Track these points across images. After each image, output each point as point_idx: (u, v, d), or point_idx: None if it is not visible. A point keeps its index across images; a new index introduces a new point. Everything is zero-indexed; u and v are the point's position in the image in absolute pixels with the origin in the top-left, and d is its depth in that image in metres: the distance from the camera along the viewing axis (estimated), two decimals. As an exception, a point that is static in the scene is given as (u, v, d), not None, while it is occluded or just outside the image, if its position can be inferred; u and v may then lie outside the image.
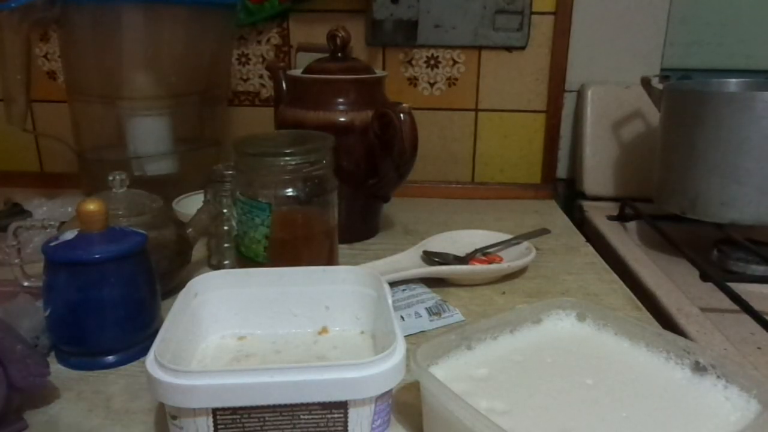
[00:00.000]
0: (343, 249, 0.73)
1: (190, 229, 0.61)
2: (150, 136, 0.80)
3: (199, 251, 0.67)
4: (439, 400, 0.35)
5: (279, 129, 0.74)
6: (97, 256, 0.46)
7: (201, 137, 0.88)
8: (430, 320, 0.56)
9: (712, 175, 0.71)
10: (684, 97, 0.74)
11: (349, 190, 0.74)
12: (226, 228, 0.65)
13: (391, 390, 0.37)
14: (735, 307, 0.57)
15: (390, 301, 0.44)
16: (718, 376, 0.39)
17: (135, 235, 0.49)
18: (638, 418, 0.36)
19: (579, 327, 0.46)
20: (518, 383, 0.39)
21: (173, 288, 0.61)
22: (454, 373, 0.40)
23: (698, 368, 0.40)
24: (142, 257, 0.49)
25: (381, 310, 0.46)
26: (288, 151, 0.57)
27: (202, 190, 0.75)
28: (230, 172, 0.63)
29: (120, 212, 0.56)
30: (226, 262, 0.65)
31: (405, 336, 0.53)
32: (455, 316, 0.57)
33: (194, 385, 0.34)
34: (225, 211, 0.64)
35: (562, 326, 0.46)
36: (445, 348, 0.41)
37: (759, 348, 0.56)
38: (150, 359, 0.35)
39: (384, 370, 0.35)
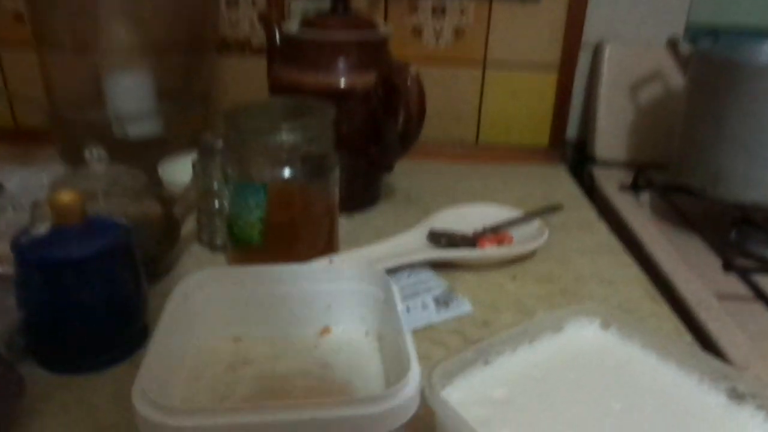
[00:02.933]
0: (342, 221, 0.69)
1: (176, 208, 0.56)
2: (131, 93, 0.73)
3: (187, 226, 0.63)
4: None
5: (272, 90, 0.68)
6: (74, 256, 0.41)
7: (188, 93, 0.81)
8: (438, 311, 0.52)
9: (738, 152, 0.66)
10: (714, 66, 0.68)
11: (349, 158, 0.68)
12: (217, 205, 0.60)
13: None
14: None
15: (400, 309, 0.40)
16: (758, 407, 0.35)
17: (116, 227, 0.45)
18: (672, 457, 0.33)
19: (602, 336, 0.42)
20: (540, 408, 0.36)
21: (163, 271, 0.57)
22: (471, 395, 0.37)
23: (735, 395, 0.37)
24: (124, 251, 0.45)
25: (389, 313, 0.42)
26: (284, 127, 0.51)
27: (189, 153, 0.70)
28: (220, 143, 0.57)
29: (99, 193, 0.51)
30: (218, 242, 0.61)
31: (413, 329, 0.50)
32: (464, 306, 0.53)
33: (183, 427, 0.30)
34: (216, 184, 0.59)
35: (584, 335, 0.43)
36: (461, 365, 0.38)
37: (781, 342, 0.54)
38: (137, 389, 0.31)
39: (396, 406, 0.32)
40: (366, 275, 0.45)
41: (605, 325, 0.43)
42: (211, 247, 0.62)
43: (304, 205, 0.54)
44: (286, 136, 0.51)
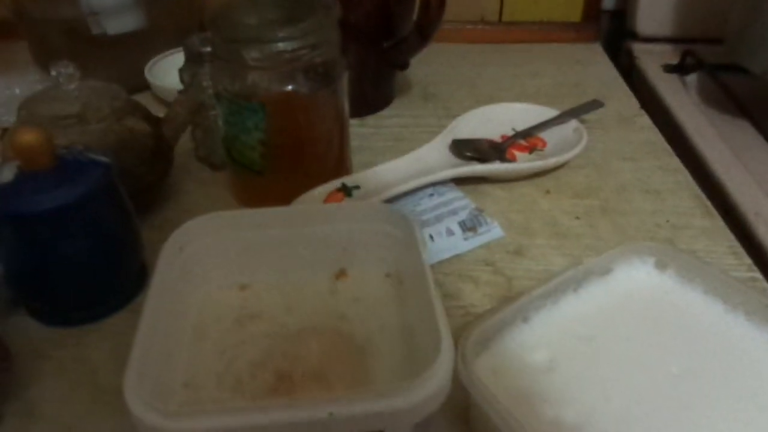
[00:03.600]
0: (353, 128, 0.61)
1: (165, 128, 0.49)
2: (104, -18, 0.63)
3: (183, 142, 0.56)
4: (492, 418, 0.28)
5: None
6: (46, 206, 0.35)
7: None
8: (465, 238, 0.47)
9: (815, 30, 0.56)
10: None
11: (358, 53, 0.60)
12: (212, 117, 0.53)
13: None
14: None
15: (425, 257, 0.35)
16: (842, 370, 0.31)
17: (95, 165, 0.38)
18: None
19: (658, 279, 0.37)
20: (587, 375, 0.32)
21: (159, 198, 0.52)
22: (508, 361, 0.33)
23: (815, 355, 0.32)
24: (107, 192, 0.39)
25: (411, 256, 0.36)
26: (281, 34, 0.43)
27: (178, 49, 0.61)
28: (209, 49, 0.49)
29: (73, 119, 0.44)
30: (216, 161, 0.55)
31: (438, 262, 0.46)
32: (494, 230, 0.48)
33: (188, 428, 0.26)
34: (209, 94, 0.52)
35: (636, 277, 0.37)
36: (497, 327, 0.33)
37: None
38: (128, 390, 0.27)
39: (427, 396, 0.28)
40: (384, 214, 0.39)
41: (661, 265, 0.37)
42: (210, 165, 0.56)
43: (310, 122, 0.47)
44: (285, 45, 0.43)
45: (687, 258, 0.37)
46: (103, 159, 0.39)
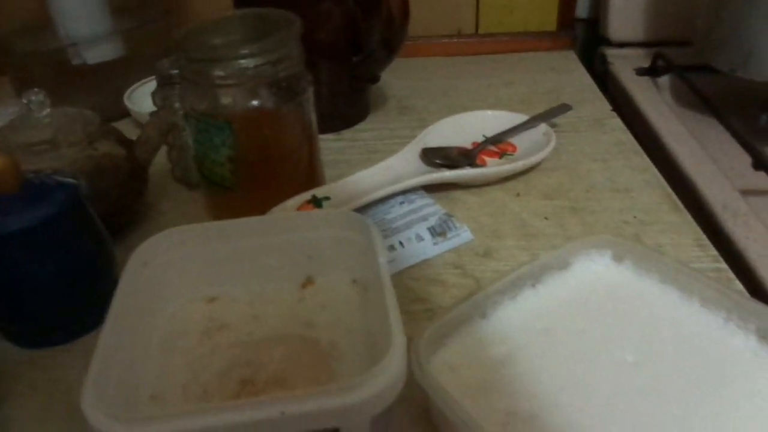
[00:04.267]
0: (329, 142, 0.63)
1: (138, 150, 0.51)
2: (81, 14, 0.65)
3: (159, 160, 0.57)
4: (447, 415, 0.28)
5: (237, 2, 0.60)
6: (12, 228, 0.36)
7: (146, 5, 0.73)
8: (434, 243, 0.48)
9: (775, 25, 0.57)
10: None
11: (330, 69, 0.62)
12: (186, 138, 0.54)
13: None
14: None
15: (383, 260, 0.36)
16: (793, 350, 0.31)
17: (62, 187, 0.39)
18: (693, 417, 0.29)
19: (616, 271, 0.38)
20: (545, 368, 0.32)
21: (135, 219, 0.53)
22: (465, 357, 0.33)
23: (766, 336, 0.32)
24: (75, 212, 0.40)
25: (373, 263, 0.37)
26: (243, 51, 0.44)
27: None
28: (177, 71, 0.51)
29: (45, 145, 0.45)
30: (193, 179, 0.56)
31: (406, 267, 0.46)
32: (463, 234, 0.49)
33: (142, 433, 0.27)
34: (181, 115, 0.53)
35: (595, 270, 0.38)
36: (453, 324, 0.34)
37: (815, 244, 0.48)
38: (86, 399, 0.28)
39: (379, 391, 0.28)
40: (345, 220, 0.40)
41: (618, 258, 0.38)
42: (187, 184, 0.57)
43: (278, 136, 0.48)
44: (247, 61, 0.44)
45: (643, 250, 0.37)
46: (71, 181, 0.40)
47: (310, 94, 0.49)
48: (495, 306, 0.35)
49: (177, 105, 0.52)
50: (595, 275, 0.37)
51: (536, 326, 0.35)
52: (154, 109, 0.55)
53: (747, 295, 0.38)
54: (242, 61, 0.44)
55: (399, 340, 0.30)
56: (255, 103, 0.46)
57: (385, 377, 0.28)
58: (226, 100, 0.46)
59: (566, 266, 0.38)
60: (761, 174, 0.54)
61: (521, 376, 0.32)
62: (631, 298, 0.36)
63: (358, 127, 0.66)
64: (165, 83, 0.53)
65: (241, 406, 0.27)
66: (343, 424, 0.29)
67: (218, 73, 0.44)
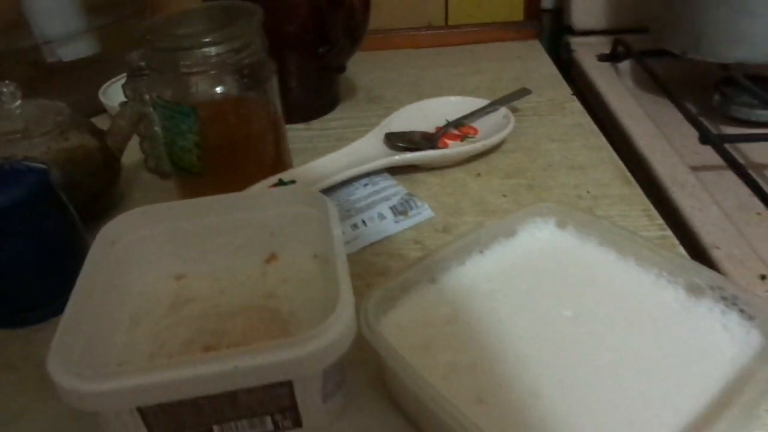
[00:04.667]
0: (299, 131, 0.65)
1: (109, 139, 0.52)
2: (55, 12, 0.67)
3: (134, 153, 0.59)
4: (393, 367, 0.30)
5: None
6: (-17, 212, 0.38)
7: (119, 3, 0.74)
8: (396, 221, 0.50)
9: (721, 8, 0.60)
10: None
11: (298, 60, 0.64)
12: (157, 129, 0.56)
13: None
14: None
15: (337, 231, 0.38)
16: (716, 300, 0.33)
17: (31, 173, 0.41)
18: (622, 362, 0.32)
19: (559, 236, 0.40)
20: (487, 324, 0.34)
21: (109, 206, 0.54)
22: (413, 318, 0.35)
23: (693, 289, 0.34)
24: (44, 197, 0.42)
25: (329, 235, 0.39)
26: (206, 40, 0.46)
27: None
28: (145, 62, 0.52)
29: (17, 135, 0.47)
30: (165, 168, 0.58)
31: (369, 244, 0.48)
32: (424, 212, 0.51)
33: (105, 390, 0.29)
34: (152, 110, 0.55)
35: (539, 237, 0.40)
36: (402, 287, 0.36)
37: (758, 213, 0.51)
38: (51, 359, 0.30)
39: (328, 344, 0.30)
40: (303, 197, 0.42)
41: (561, 224, 0.40)
42: (161, 174, 0.59)
43: (242, 122, 0.50)
44: (209, 49, 0.46)
45: (584, 216, 0.40)
46: (41, 166, 0.42)
47: (274, 81, 0.51)
48: (444, 271, 0.37)
49: (147, 96, 0.54)
50: (539, 241, 0.40)
51: (482, 288, 0.37)
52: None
53: (677, 253, 0.40)
54: (205, 50, 0.46)
55: (347, 298, 0.32)
56: (219, 89, 0.48)
57: (334, 331, 0.30)
58: (191, 87, 0.48)
59: (513, 234, 0.40)
60: (711, 151, 0.56)
61: (464, 333, 0.34)
62: (572, 261, 0.38)
63: (327, 116, 0.68)
64: (135, 75, 0.55)
65: (196, 361, 0.29)
66: (295, 376, 0.31)
67: (183, 61, 0.46)
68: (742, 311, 0.32)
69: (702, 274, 0.34)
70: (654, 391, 0.30)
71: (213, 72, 0.47)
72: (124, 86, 0.55)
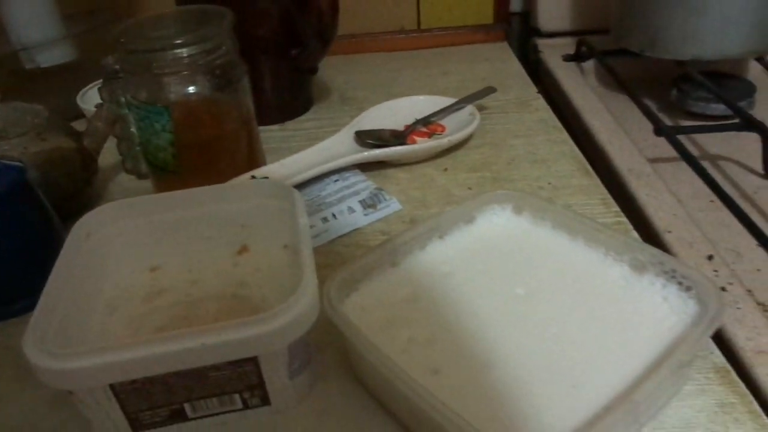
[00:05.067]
0: (272, 132, 0.67)
1: (86, 140, 0.54)
2: (33, 20, 0.69)
3: (111, 155, 0.61)
4: (354, 343, 0.32)
5: (178, 2, 0.64)
6: (-38, 206, 0.40)
7: (97, 11, 0.76)
8: (365, 214, 0.52)
9: (675, 7, 0.63)
10: None
11: (271, 63, 0.66)
12: (132, 130, 0.57)
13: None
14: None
15: (303, 220, 0.39)
16: (657, 274, 0.36)
17: (8, 170, 0.43)
18: (568, 334, 0.34)
19: (515, 221, 0.42)
20: (444, 303, 0.36)
21: (85, 206, 0.56)
22: (375, 299, 0.37)
23: (637, 266, 0.37)
24: (20, 194, 0.43)
25: (296, 225, 0.41)
26: (178, 41, 0.48)
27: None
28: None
29: (-5, 136, 0.48)
30: (143, 169, 0.59)
31: (338, 236, 0.50)
32: (392, 205, 0.53)
33: (77, 368, 0.30)
34: (127, 111, 0.56)
35: (496, 222, 0.42)
36: (365, 271, 0.38)
37: (711, 201, 0.54)
38: (26, 339, 0.31)
39: (291, 320, 0.32)
40: (272, 189, 0.44)
41: (517, 210, 0.42)
42: (138, 175, 0.61)
43: (215, 121, 0.52)
44: (181, 51, 0.48)
45: (538, 201, 0.42)
46: (17, 164, 0.44)
47: (245, 82, 0.53)
48: (405, 255, 0.39)
49: (123, 99, 0.56)
50: (497, 226, 0.42)
51: (441, 270, 0.39)
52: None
53: (623, 233, 0.42)
54: (177, 51, 0.48)
55: (309, 278, 0.33)
56: (192, 89, 0.50)
57: (296, 308, 0.32)
58: (164, 87, 0.49)
59: (472, 220, 0.42)
60: (669, 145, 0.58)
61: (423, 311, 0.36)
62: (526, 244, 0.40)
63: (301, 118, 0.70)
64: (110, 78, 0.56)
65: (165, 338, 0.31)
66: (261, 353, 0.32)
67: (155, 62, 0.48)
68: (680, 284, 0.35)
69: (645, 251, 0.36)
70: (597, 359, 0.32)
71: (185, 72, 0.49)
72: (100, 89, 0.57)
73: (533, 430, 0.29)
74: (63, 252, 0.38)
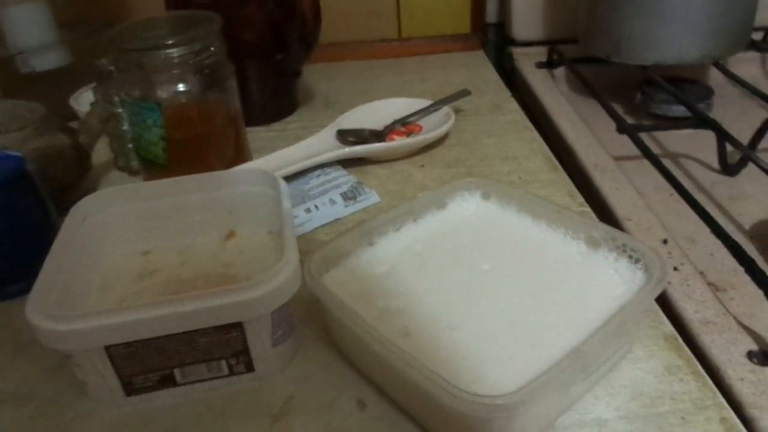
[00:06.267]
0: (259, 132, 0.70)
1: (81, 137, 0.57)
2: (29, 26, 0.72)
3: (104, 153, 0.64)
4: (332, 310, 0.35)
5: (168, 7, 0.67)
6: (-34, 191, 0.42)
7: (91, 19, 0.79)
8: (345, 206, 0.55)
9: (637, 16, 0.67)
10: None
11: (258, 67, 0.69)
12: (124, 128, 0.60)
13: (286, 302, 0.37)
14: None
15: (287, 204, 0.43)
16: (610, 249, 0.39)
17: (8, 159, 0.46)
18: (528, 302, 0.37)
19: (484, 207, 0.45)
20: (416, 277, 0.39)
21: (78, 198, 0.58)
22: (353, 274, 0.40)
23: (592, 242, 0.40)
24: (21, 181, 0.46)
25: (281, 210, 0.44)
26: (169, 42, 0.51)
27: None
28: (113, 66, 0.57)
29: (-5, 130, 0.51)
30: (134, 165, 0.62)
31: (320, 225, 0.53)
32: (371, 198, 0.56)
33: (76, 329, 0.33)
34: (120, 110, 0.59)
35: (467, 208, 0.45)
36: (344, 248, 0.41)
37: (671, 194, 0.57)
38: (29, 306, 0.34)
39: (274, 288, 0.35)
40: (260, 178, 0.47)
41: (486, 196, 0.46)
42: (129, 171, 0.63)
43: (204, 118, 0.55)
44: (172, 51, 0.51)
45: (505, 187, 0.45)
46: (17, 154, 0.46)
47: (232, 81, 0.56)
48: (381, 236, 0.42)
49: (116, 98, 0.59)
50: (467, 211, 0.45)
51: (414, 250, 0.42)
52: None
53: (580, 213, 0.45)
54: (168, 51, 0.51)
55: (291, 252, 0.37)
56: (181, 87, 0.53)
57: (279, 278, 0.35)
58: (155, 85, 0.52)
59: (443, 206, 0.45)
60: (632, 145, 0.62)
61: (396, 284, 0.39)
62: (493, 226, 0.44)
63: (286, 120, 0.74)
64: (104, 78, 0.59)
65: (157, 303, 0.34)
66: (245, 317, 0.35)
67: (147, 61, 0.51)
68: (630, 257, 0.38)
69: (599, 228, 0.40)
70: (554, 323, 0.35)
71: (176, 71, 0.52)
72: (94, 89, 0.60)
73: (494, 381, 0.32)
74: (60, 234, 0.41)
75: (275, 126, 0.72)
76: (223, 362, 0.37)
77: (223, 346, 0.36)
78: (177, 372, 0.37)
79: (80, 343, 0.34)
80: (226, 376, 0.38)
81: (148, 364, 0.36)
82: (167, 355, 0.36)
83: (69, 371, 0.36)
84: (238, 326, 0.36)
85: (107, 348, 0.34)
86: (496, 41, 0.97)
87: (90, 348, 0.34)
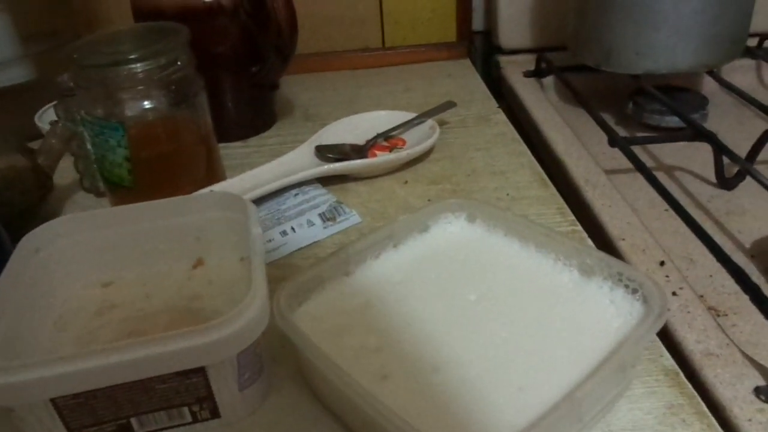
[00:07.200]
0: (236, 149, 0.67)
1: (40, 158, 0.53)
2: (-10, 39, 0.68)
3: (70, 173, 0.60)
4: (303, 351, 0.32)
5: (136, 18, 0.64)
6: None
7: (57, 31, 0.76)
8: (324, 227, 0.52)
9: (628, 23, 0.64)
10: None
11: (232, 80, 0.66)
12: (89, 147, 0.57)
13: (254, 342, 0.33)
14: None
15: (256, 230, 0.39)
16: (605, 278, 0.36)
17: (-46, 186, 0.42)
18: (517, 338, 0.34)
19: (469, 230, 0.42)
20: (396, 311, 0.36)
21: (41, 222, 0.55)
22: (327, 308, 0.37)
23: (585, 270, 0.37)
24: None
25: (250, 236, 0.41)
26: (132, 56, 0.48)
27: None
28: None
29: (-56, 153, 0.48)
30: (100, 183, 0.58)
31: (297, 249, 0.50)
32: (352, 218, 0.53)
33: (16, 382, 0.29)
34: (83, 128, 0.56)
35: (451, 231, 0.42)
36: (318, 279, 0.38)
37: (666, 210, 0.55)
38: (-37, 356, 0.30)
39: (239, 329, 0.31)
40: (227, 202, 0.43)
41: (471, 218, 0.43)
42: (96, 193, 0.60)
43: (171, 136, 0.52)
44: (135, 66, 0.48)
45: (491, 209, 0.42)
46: (-35, 180, 0.43)
47: (202, 97, 0.53)
48: (358, 264, 0.39)
49: (78, 116, 0.55)
50: (451, 234, 0.42)
51: (394, 279, 0.39)
52: (61, 123, 0.58)
53: (572, 239, 0.43)
54: (131, 66, 0.48)
55: (259, 286, 0.33)
56: (147, 104, 0.50)
57: (244, 317, 0.32)
58: (118, 103, 0.49)
59: (426, 229, 0.42)
60: (624, 158, 0.60)
61: (374, 319, 0.36)
62: (479, 251, 0.41)
63: (264, 134, 0.70)
64: (66, 95, 0.56)
65: (107, 350, 0.30)
66: (208, 362, 0.32)
67: (109, 77, 0.48)
68: (627, 286, 0.35)
69: (593, 255, 0.37)
70: (545, 362, 0.32)
71: (140, 87, 0.49)
72: (55, 106, 0.57)
73: (480, 433, 0.29)
74: (8, 267, 0.38)
75: (252, 141, 0.69)
76: (185, 409, 0.34)
77: (184, 393, 0.33)
78: (134, 421, 0.33)
79: (22, 398, 0.30)
80: (190, 423, 0.35)
81: (100, 415, 0.32)
82: (122, 405, 0.32)
83: (11, 424, 0.33)
84: (200, 371, 0.32)
85: (53, 400, 0.31)
86: (482, 50, 0.94)
87: (33, 402, 0.31)
